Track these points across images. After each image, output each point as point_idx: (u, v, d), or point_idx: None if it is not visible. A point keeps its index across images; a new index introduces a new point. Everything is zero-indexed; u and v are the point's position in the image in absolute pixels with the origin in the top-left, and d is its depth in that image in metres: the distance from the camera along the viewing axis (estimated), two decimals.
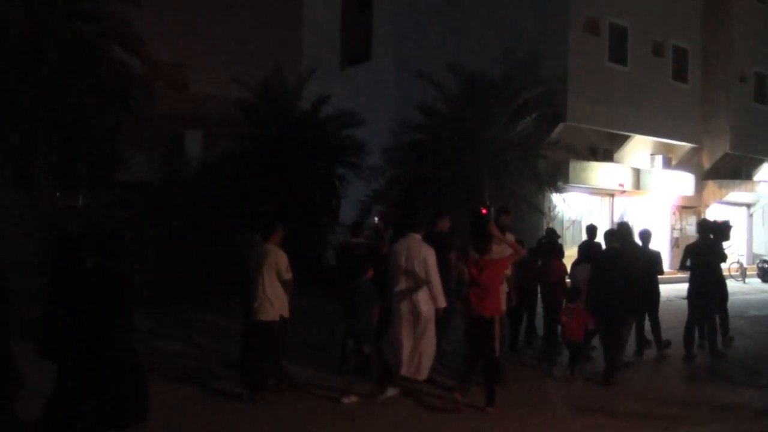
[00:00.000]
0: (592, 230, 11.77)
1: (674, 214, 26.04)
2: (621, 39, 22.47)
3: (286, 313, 8.44)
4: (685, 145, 25.39)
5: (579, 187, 21.79)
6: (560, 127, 20.53)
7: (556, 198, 20.40)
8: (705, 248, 11.58)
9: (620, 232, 10.35)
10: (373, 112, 21.53)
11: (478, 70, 18.60)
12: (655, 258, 11.57)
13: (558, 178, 20.05)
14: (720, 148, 26.13)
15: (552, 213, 20.79)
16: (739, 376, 10.44)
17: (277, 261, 8.27)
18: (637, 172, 23.49)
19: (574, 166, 21.21)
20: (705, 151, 26.32)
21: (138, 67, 15.73)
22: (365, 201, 18.60)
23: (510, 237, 9.17)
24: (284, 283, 8.33)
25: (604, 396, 9.03)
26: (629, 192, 23.60)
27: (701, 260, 11.47)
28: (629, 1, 22.58)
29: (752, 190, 27.75)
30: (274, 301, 8.26)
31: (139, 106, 15.68)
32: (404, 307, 8.65)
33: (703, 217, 13.11)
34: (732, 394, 9.28)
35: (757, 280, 25.00)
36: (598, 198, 23.67)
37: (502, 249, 8.75)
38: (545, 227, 15.42)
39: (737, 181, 27.01)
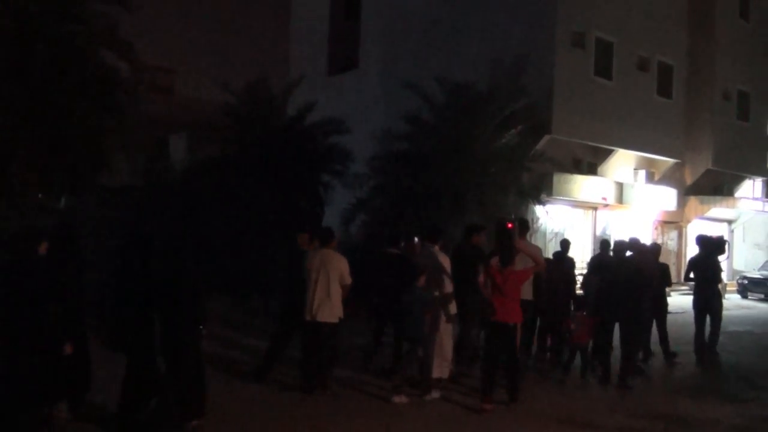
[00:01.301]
0: (605, 244, 12.17)
1: (656, 228, 26.25)
2: (607, 53, 22.67)
3: (342, 315, 9.01)
4: (668, 161, 25.62)
5: (562, 199, 21.93)
6: (545, 139, 20.67)
7: (539, 210, 20.51)
8: (705, 262, 12.54)
9: (634, 245, 11.17)
10: (359, 120, 21.58)
11: (464, 82, 18.70)
12: (664, 270, 12.47)
13: (542, 190, 20.17)
14: (702, 164, 26.39)
15: (535, 225, 20.88)
16: (722, 391, 10.58)
17: (340, 266, 8.90)
18: (620, 186, 23.67)
19: (558, 178, 21.35)
20: (687, 167, 26.57)
21: (124, 70, 15.68)
22: (349, 209, 18.63)
23: (534, 249, 10.06)
24: (345, 287, 8.93)
25: (586, 408, 9.12)
26: (612, 206, 23.78)
27: (702, 273, 12.51)
28: (616, 16, 22.79)
29: (734, 207, 28.06)
30: (335, 304, 8.84)
31: (125, 109, 15.62)
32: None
33: (699, 233, 13.71)
34: (714, 408, 9.40)
35: (737, 296, 25.26)
36: (581, 211, 23.83)
37: (523, 260, 9.31)
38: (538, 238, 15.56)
39: (719, 197, 27.31)
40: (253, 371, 9.64)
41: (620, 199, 23.60)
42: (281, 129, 18.55)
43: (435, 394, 9.13)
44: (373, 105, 25.14)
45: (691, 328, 12.87)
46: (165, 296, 7.18)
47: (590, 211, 24.19)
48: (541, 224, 21.36)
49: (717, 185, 27.44)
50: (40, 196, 15.70)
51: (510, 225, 9.06)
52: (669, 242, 26.30)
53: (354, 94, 26.48)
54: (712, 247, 12.87)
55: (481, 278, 9.10)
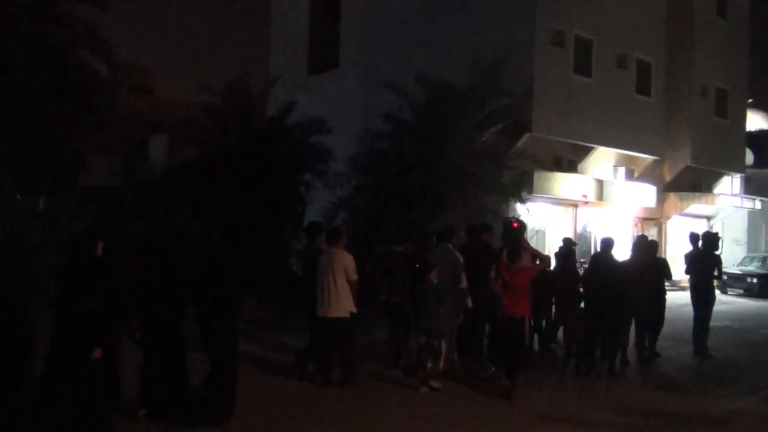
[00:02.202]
0: (609, 243, 12.28)
1: (636, 225, 26.46)
2: (586, 51, 22.82)
3: (354, 309, 9.48)
4: (648, 158, 25.83)
5: (543, 197, 22.06)
6: (525, 137, 20.78)
7: (520, 208, 20.61)
8: (703, 257, 13.22)
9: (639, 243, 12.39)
10: (340, 119, 21.60)
11: (444, 81, 18.76)
12: (664, 266, 13.01)
13: (522, 188, 20.24)
14: (681, 160, 26.63)
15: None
16: (701, 387, 10.72)
17: (346, 263, 9.40)
18: (600, 184, 23.84)
19: (539, 176, 21.47)
20: (667, 164, 26.81)
21: (103, 70, 15.64)
22: (330, 208, 18.64)
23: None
24: (351, 282, 9.39)
25: (569, 404, 9.20)
26: (592, 203, 23.95)
27: (697, 267, 13.23)
28: (595, 14, 22.96)
29: (712, 203, 28.36)
30: (345, 299, 9.32)
31: (104, 110, 15.58)
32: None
33: (692, 230, 14.44)
34: (693, 403, 9.52)
35: (717, 292, 25.46)
36: (561, 208, 23.99)
37: (527, 258, 9.98)
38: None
39: (698, 194, 27.59)
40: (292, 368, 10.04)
41: (600, 196, 23.77)
42: (261, 129, 18.53)
43: (437, 385, 9.54)
44: (353, 104, 25.18)
45: (676, 324, 13.18)
46: (202, 294, 7.57)
47: (571, 209, 24.36)
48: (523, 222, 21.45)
49: (696, 182, 27.69)
50: (19, 197, 15.64)
51: (516, 224, 10.10)
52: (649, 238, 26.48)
53: (334, 94, 26.51)
54: (707, 242, 13.51)
55: (492, 274, 9.69)
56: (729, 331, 15.76)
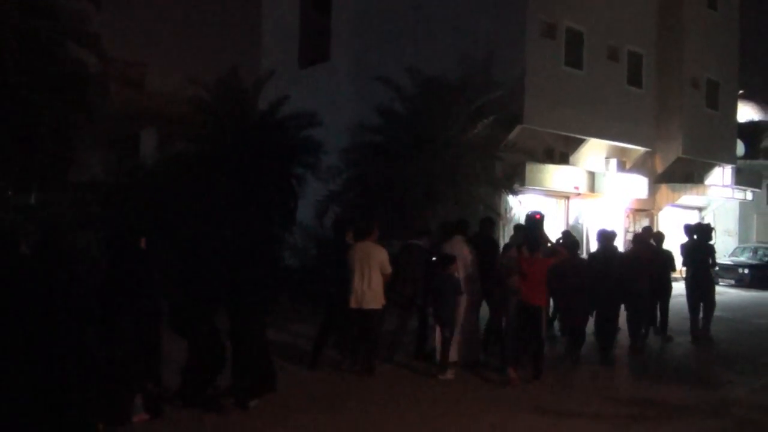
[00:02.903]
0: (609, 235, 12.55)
1: (628, 216, 26.57)
2: (577, 43, 22.87)
3: (384, 302, 9.95)
4: (639, 149, 25.91)
5: (535, 189, 22.12)
6: (517, 129, 20.83)
7: (512, 200, 20.67)
8: (698, 248, 13.79)
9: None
10: (332, 112, 21.60)
11: (436, 73, 18.77)
12: (670, 257, 13.82)
13: (514, 180, 20.31)
14: (673, 152, 26.72)
15: (508, 215, 21.07)
16: (694, 376, 10.81)
17: (380, 256, 9.81)
18: (591, 175, 23.91)
19: (531, 168, 21.53)
20: (658, 155, 26.89)
21: (94, 64, 15.60)
22: (322, 201, 18.66)
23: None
24: (385, 275, 9.84)
25: (558, 395, 9.26)
26: (584, 194, 24.02)
27: (693, 258, 13.76)
28: (586, 6, 23.00)
29: (704, 194, 28.47)
30: (377, 291, 9.75)
31: (94, 104, 15.54)
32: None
33: (686, 222, 15.40)
34: (682, 394, 9.57)
35: None
36: (553, 200, 24.05)
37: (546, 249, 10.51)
38: (511, 227, 15.92)
39: (689, 185, 27.69)
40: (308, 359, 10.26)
41: (592, 187, 23.85)
42: (253, 123, 18.52)
43: (450, 375, 9.85)
44: (345, 97, 25.17)
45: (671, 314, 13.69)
46: (235, 286, 8.02)
47: (563, 200, 24.43)
48: (514, 214, 21.52)
49: (687, 173, 27.81)
50: (10, 192, 15.61)
51: (538, 216, 10.50)
52: (640, 230, 26.56)
53: (326, 87, 26.49)
54: (701, 233, 14.06)
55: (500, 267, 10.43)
56: (721, 321, 15.82)
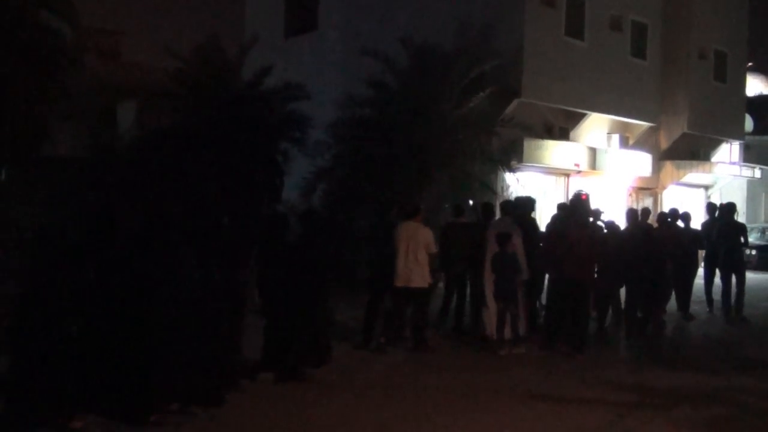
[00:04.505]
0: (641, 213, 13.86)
1: (630, 195, 26.55)
2: (578, 12, 22.75)
3: (430, 280, 10.82)
4: (643, 124, 25.88)
5: (533, 166, 22.11)
6: (514, 103, 20.77)
7: (509, 177, 20.64)
8: (728, 226, 14.64)
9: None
10: (319, 84, 21.46)
11: (429, 43, 18.66)
12: (696, 235, 14.89)
13: (512, 156, 20.28)
14: (678, 127, 26.67)
15: (505, 193, 21.01)
16: (694, 362, 10.85)
17: (426, 236, 10.58)
18: (593, 152, 23.89)
19: (529, 144, 21.50)
20: (663, 131, 26.84)
21: (67, 33, 15.43)
22: (310, 178, 18.60)
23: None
24: (431, 255, 10.60)
25: (556, 382, 9.29)
26: (585, 172, 24.01)
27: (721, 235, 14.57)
28: None
29: (710, 172, 28.45)
30: (424, 270, 10.45)
31: (68, 76, 15.37)
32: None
33: (708, 201, 16.23)
34: (680, 380, 9.62)
35: None
36: (553, 178, 24.05)
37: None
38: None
39: (695, 162, 27.65)
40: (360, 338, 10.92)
41: (593, 164, 23.83)
42: (236, 95, 18.39)
43: (522, 349, 10.74)
44: (333, 69, 25.00)
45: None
46: (303, 265, 8.89)
47: (562, 178, 24.41)
48: (512, 192, 21.48)
49: (693, 150, 27.77)
50: None
51: (584, 196, 11.75)
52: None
53: (313, 58, 26.29)
54: (729, 212, 15.09)
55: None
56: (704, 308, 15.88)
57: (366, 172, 17.58)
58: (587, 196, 11.75)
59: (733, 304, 14.50)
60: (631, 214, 13.62)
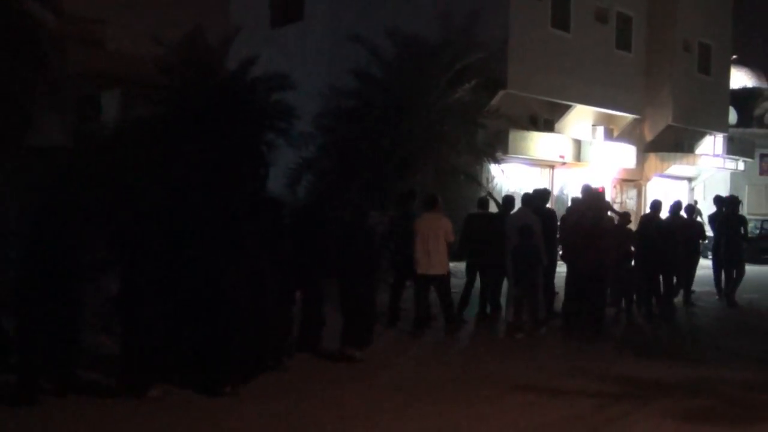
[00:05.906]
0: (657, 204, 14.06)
1: (615, 186, 26.66)
2: (564, 4, 22.84)
3: (449, 268, 11.32)
4: (627, 116, 26.02)
5: (518, 157, 22.17)
6: (500, 94, 20.81)
7: (494, 169, 20.70)
8: (732, 218, 15.39)
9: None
10: (305, 75, 21.45)
11: (415, 34, 18.67)
12: (700, 227, 15.83)
13: (497, 148, 20.36)
14: (662, 119, 26.83)
15: (490, 184, 21.08)
16: (675, 352, 10.92)
17: (446, 226, 11.00)
18: (578, 144, 23.98)
19: (514, 135, 21.55)
20: (647, 123, 27.00)
21: (50, 20, 15.34)
22: (295, 169, 18.58)
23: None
24: (449, 244, 11.01)
25: (540, 373, 9.32)
26: (569, 163, 24.10)
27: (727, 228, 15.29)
28: None
29: (694, 164, 28.64)
30: (443, 258, 10.93)
31: (51, 64, 15.30)
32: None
33: (716, 194, 17.85)
34: (668, 370, 9.64)
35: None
36: (537, 169, 24.13)
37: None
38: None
39: (679, 154, 27.84)
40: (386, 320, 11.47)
41: (578, 156, 23.93)
42: (221, 84, 18.34)
43: (543, 332, 11.46)
44: (318, 59, 24.99)
45: None
46: (349, 252, 9.33)
47: (547, 170, 24.49)
48: (497, 184, 21.56)
49: (677, 142, 27.92)
50: None
51: (601, 189, 12.35)
52: (628, 201, 26.76)
53: (299, 48, 26.26)
54: (734, 205, 15.64)
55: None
56: (712, 296, 15.99)
57: (351, 163, 17.58)
58: (603, 188, 12.58)
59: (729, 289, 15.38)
60: (677, 206, 14.41)
